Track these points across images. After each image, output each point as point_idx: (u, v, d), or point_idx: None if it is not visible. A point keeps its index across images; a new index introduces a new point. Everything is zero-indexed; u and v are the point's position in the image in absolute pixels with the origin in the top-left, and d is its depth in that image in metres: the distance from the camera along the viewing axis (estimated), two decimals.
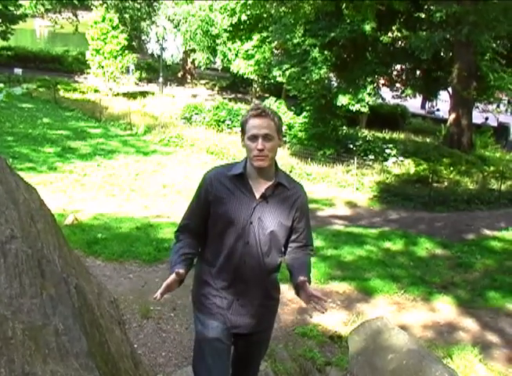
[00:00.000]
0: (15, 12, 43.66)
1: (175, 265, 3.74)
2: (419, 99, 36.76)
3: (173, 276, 3.65)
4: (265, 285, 4.03)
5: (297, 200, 3.92)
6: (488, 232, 18.71)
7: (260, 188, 3.84)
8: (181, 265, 3.73)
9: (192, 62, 45.53)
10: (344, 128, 29.53)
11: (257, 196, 3.83)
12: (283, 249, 4.05)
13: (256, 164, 3.77)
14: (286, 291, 12.32)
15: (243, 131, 3.85)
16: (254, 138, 3.74)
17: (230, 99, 38.42)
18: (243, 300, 3.93)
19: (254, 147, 3.73)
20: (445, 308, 12.77)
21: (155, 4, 46.64)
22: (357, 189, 23.75)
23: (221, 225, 3.87)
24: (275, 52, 33.39)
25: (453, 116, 30.21)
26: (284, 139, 29.14)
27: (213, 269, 3.94)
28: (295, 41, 26.70)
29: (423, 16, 27.11)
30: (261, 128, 3.72)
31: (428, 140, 32.69)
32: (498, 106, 35.64)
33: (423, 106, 44.41)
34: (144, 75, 45.89)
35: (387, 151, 27.67)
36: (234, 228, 3.83)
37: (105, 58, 37.17)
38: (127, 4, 45.21)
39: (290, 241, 4.02)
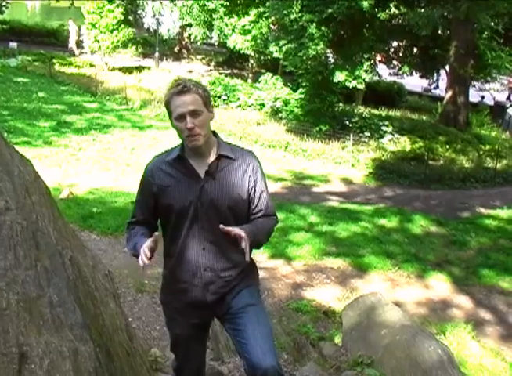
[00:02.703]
0: None
1: (139, 241, 3.58)
2: (416, 76, 36.56)
3: (147, 242, 3.46)
4: (237, 263, 3.72)
5: (247, 170, 3.67)
6: (482, 210, 18.78)
7: (203, 166, 3.62)
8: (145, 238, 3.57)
9: (189, 37, 45.21)
10: (341, 104, 29.43)
11: (202, 175, 3.60)
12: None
13: (190, 145, 3.55)
14: (280, 266, 12.42)
15: (170, 113, 3.60)
16: (181, 117, 3.50)
17: (226, 75, 38.17)
18: (214, 286, 3.69)
19: (184, 127, 3.49)
20: (438, 285, 12.85)
21: None
22: (352, 165, 23.75)
23: (172, 216, 3.67)
24: (272, 27, 33.15)
25: (450, 94, 30.15)
26: (280, 115, 29.11)
27: (173, 262, 3.75)
28: (292, 16, 26.47)
29: None
30: (187, 105, 3.48)
31: (424, 118, 32.62)
32: None
33: (436, 87, 43.55)
34: (140, 50, 45.67)
35: (383, 128, 27.62)
36: (185, 215, 3.61)
37: (101, 32, 36.90)
38: None
39: (250, 214, 3.76)
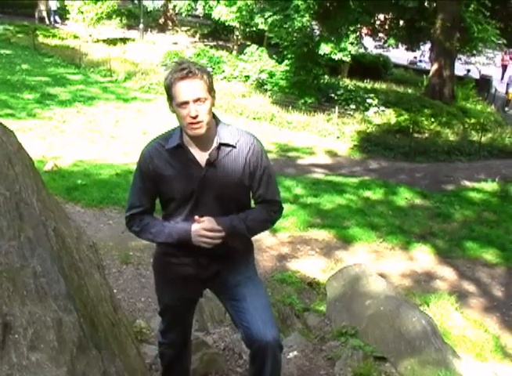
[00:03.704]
0: None
1: (177, 225, 3.57)
2: (401, 49, 36.53)
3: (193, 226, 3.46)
4: (236, 247, 3.68)
5: (248, 154, 3.53)
6: (467, 183, 18.86)
7: (203, 154, 3.47)
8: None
9: (174, 8, 44.96)
10: (326, 76, 29.37)
11: (203, 164, 3.46)
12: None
13: (192, 133, 3.39)
14: (265, 237, 12.45)
15: (170, 97, 3.40)
16: (184, 104, 3.32)
17: (211, 47, 38.02)
18: (209, 266, 3.67)
19: (187, 114, 3.32)
20: (423, 257, 12.94)
21: None
22: (338, 138, 23.77)
23: (172, 203, 3.59)
24: None
25: (435, 67, 30.18)
26: (265, 87, 29.01)
27: (171, 247, 3.67)
28: None
29: None
30: (191, 91, 3.30)
31: (410, 91, 32.67)
32: None
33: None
34: (124, 21, 45.32)
35: (369, 101, 27.64)
36: (186, 203, 3.53)
37: (84, 3, 36.48)
38: None
39: (252, 198, 3.70)
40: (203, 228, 3.43)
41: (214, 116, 3.53)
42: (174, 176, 3.48)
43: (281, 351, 3.70)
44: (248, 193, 3.65)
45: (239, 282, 3.71)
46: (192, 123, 3.34)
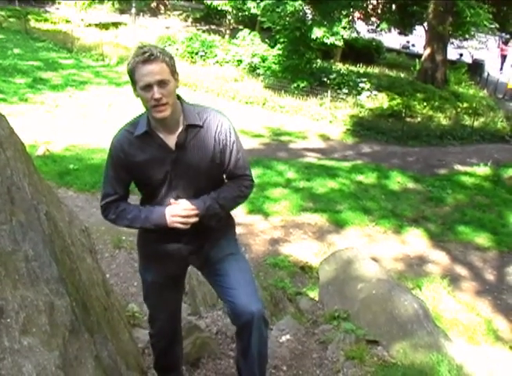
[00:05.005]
0: None
1: (153, 209, 3.59)
2: (394, 33, 36.48)
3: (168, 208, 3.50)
4: (212, 225, 3.67)
5: (216, 132, 3.54)
6: (459, 167, 18.90)
7: (172, 137, 3.49)
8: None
9: None
10: (318, 61, 29.31)
11: (173, 146, 3.48)
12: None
13: (157, 115, 3.39)
14: (258, 221, 12.47)
15: (134, 82, 3.40)
16: (147, 87, 3.32)
17: (204, 31, 37.89)
18: (189, 242, 3.69)
19: (151, 97, 3.32)
20: (415, 241, 12.98)
21: None
22: (330, 122, 23.76)
23: (147, 187, 3.64)
24: None
25: (428, 51, 30.17)
26: (258, 71, 28.96)
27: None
28: None
29: None
30: (154, 74, 3.29)
31: (402, 75, 32.65)
32: None
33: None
34: (116, 6, 45.07)
35: (361, 85, 27.63)
36: (160, 186, 3.56)
37: None
38: None
39: (223, 174, 3.72)
40: (177, 209, 3.48)
41: (179, 97, 3.56)
42: (146, 162, 3.50)
43: (266, 326, 3.76)
44: (221, 171, 3.66)
45: (222, 258, 3.76)
46: (156, 105, 3.35)
